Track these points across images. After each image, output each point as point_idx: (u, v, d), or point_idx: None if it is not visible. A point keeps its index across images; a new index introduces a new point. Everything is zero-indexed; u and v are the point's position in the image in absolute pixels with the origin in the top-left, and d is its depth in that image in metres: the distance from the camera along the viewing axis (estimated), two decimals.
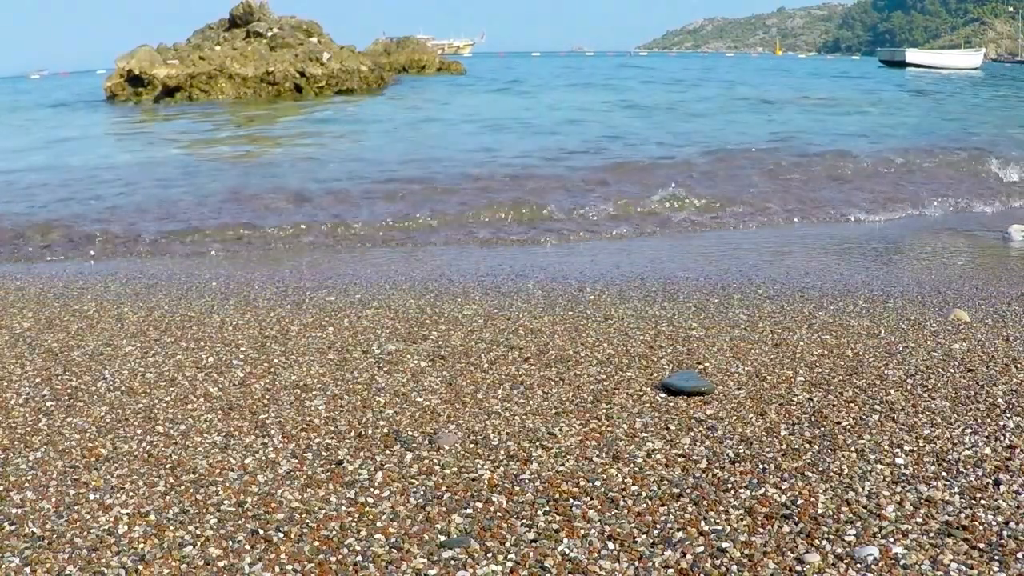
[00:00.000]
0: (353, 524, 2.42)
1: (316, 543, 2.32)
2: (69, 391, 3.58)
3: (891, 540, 2.23)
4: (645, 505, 2.47)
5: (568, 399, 3.33)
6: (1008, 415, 3.04)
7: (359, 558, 2.24)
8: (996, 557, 2.14)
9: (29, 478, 2.77)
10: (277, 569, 2.21)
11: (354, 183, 9.76)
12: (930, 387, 3.35)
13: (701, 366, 3.68)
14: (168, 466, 2.83)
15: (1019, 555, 2.14)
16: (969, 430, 2.92)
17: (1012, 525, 2.29)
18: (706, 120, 17.15)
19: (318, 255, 6.98)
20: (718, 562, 2.17)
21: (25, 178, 10.97)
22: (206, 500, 2.59)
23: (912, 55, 57.19)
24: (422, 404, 3.32)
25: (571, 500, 2.51)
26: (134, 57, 27.68)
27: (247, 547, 2.31)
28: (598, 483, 2.61)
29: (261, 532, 2.39)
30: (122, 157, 13.57)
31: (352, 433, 3.06)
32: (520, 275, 5.77)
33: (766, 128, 15.18)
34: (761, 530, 2.31)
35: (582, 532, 2.33)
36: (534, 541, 2.30)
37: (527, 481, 2.65)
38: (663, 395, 3.35)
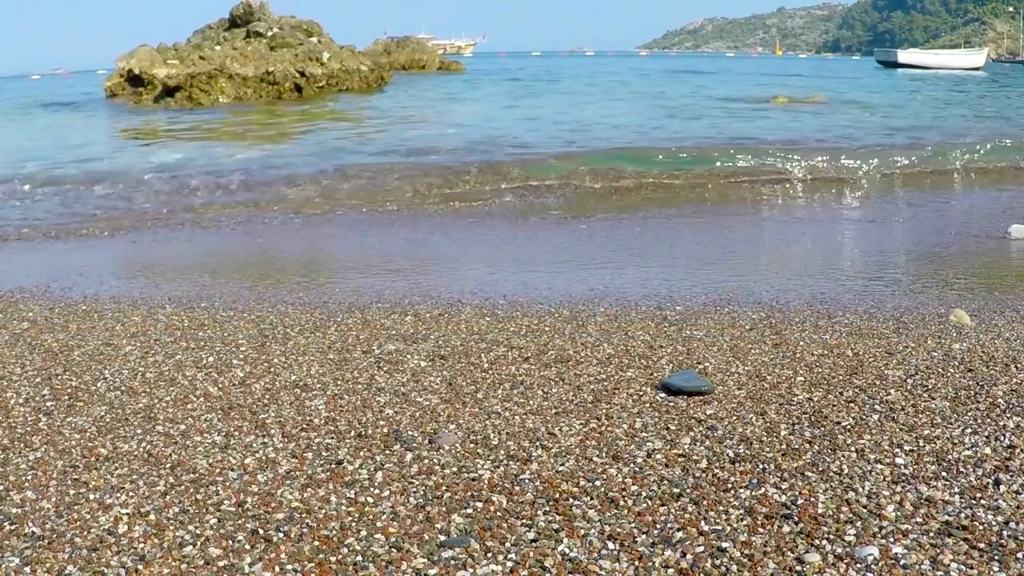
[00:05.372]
0: (353, 524, 2.42)
1: (316, 543, 2.32)
2: (69, 391, 3.58)
3: (891, 540, 2.23)
4: (645, 505, 2.47)
5: (568, 399, 3.33)
6: (1008, 415, 3.04)
7: (359, 558, 2.24)
8: (996, 557, 2.14)
9: (29, 478, 2.77)
10: (277, 569, 2.21)
11: None
12: (930, 387, 3.35)
13: (701, 366, 3.68)
14: (168, 466, 2.83)
15: (1019, 555, 2.14)
16: (969, 430, 2.92)
17: (1012, 525, 2.29)
18: None
19: None
20: (718, 562, 2.17)
21: None
22: (206, 500, 2.58)
23: (904, 55, 55.16)
24: (422, 404, 3.32)
25: (571, 500, 2.51)
26: (134, 57, 27.66)
27: (247, 547, 2.31)
28: (598, 483, 2.61)
29: (261, 532, 2.39)
30: None
31: (352, 433, 3.06)
32: None
33: None
34: (761, 530, 2.31)
35: (582, 532, 2.33)
36: (534, 541, 2.30)
37: (527, 481, 2.65)
38: (663, 395, 3.35)
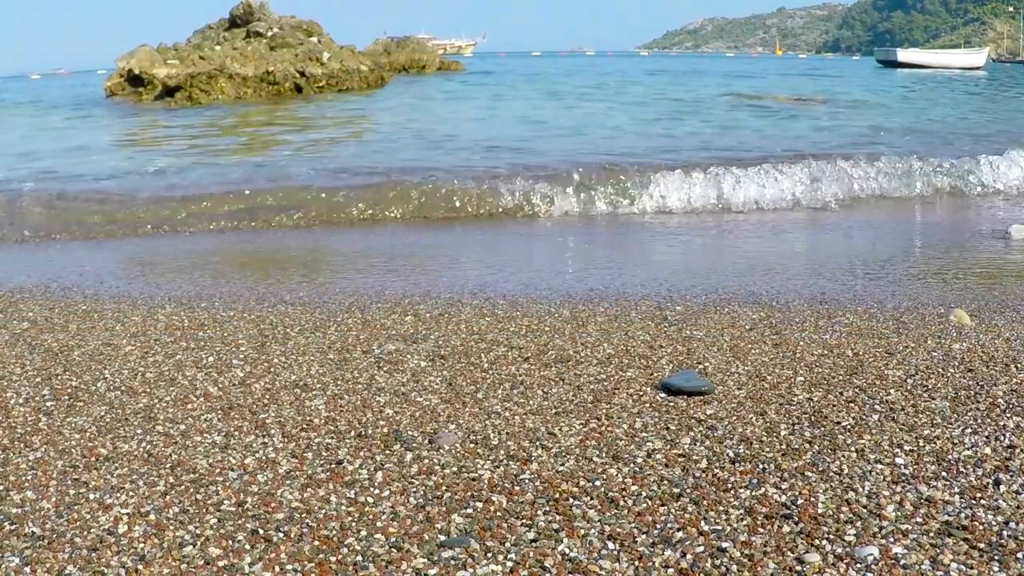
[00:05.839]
0: (353, 524, 2.42)
1: (316, 543, 2.32)
2: (69, 391, 3.58)
3: (891, 540, 2.23)
4: (645, 505, 2.47)
5: (568, 399, 3.33)
6: (1008, 415, 3.04)
7: (359, 558, 2.24)
8: (996, 557, 2.14)
9: (29, 478, 2.77)
10: (277, 569, 2.21)
11: None
12: (930, 387, 3.35)
13: (701, 366, 3.68)
14: (168, 466, 2.83)
15: (1019, 555, 2.14)
16: (969, 430, 2.92)
17: (1012, 525, 2.29)
18: None
19: None
20: (718, 562, 2.17)
21: None
22: (206, 500, 2.58)
23: (904, 54, 55.08)
24: (422, 404, 3.32)
25: (571, 500, 2.51)
26: (134, 57, 27.66)
27: (247, 547, 2.31)
28: (598, 483, 2.61)
29: (261, 532, 2.39)
30: None
31: (352, 433, 3.06)
32: None
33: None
34: (761, 530, 2.31)
35: (582, 532, 2.33)
36: (534, 541, 2.30)
37: (527, 481, 2.65)
38: (663, 395, 3.35)
